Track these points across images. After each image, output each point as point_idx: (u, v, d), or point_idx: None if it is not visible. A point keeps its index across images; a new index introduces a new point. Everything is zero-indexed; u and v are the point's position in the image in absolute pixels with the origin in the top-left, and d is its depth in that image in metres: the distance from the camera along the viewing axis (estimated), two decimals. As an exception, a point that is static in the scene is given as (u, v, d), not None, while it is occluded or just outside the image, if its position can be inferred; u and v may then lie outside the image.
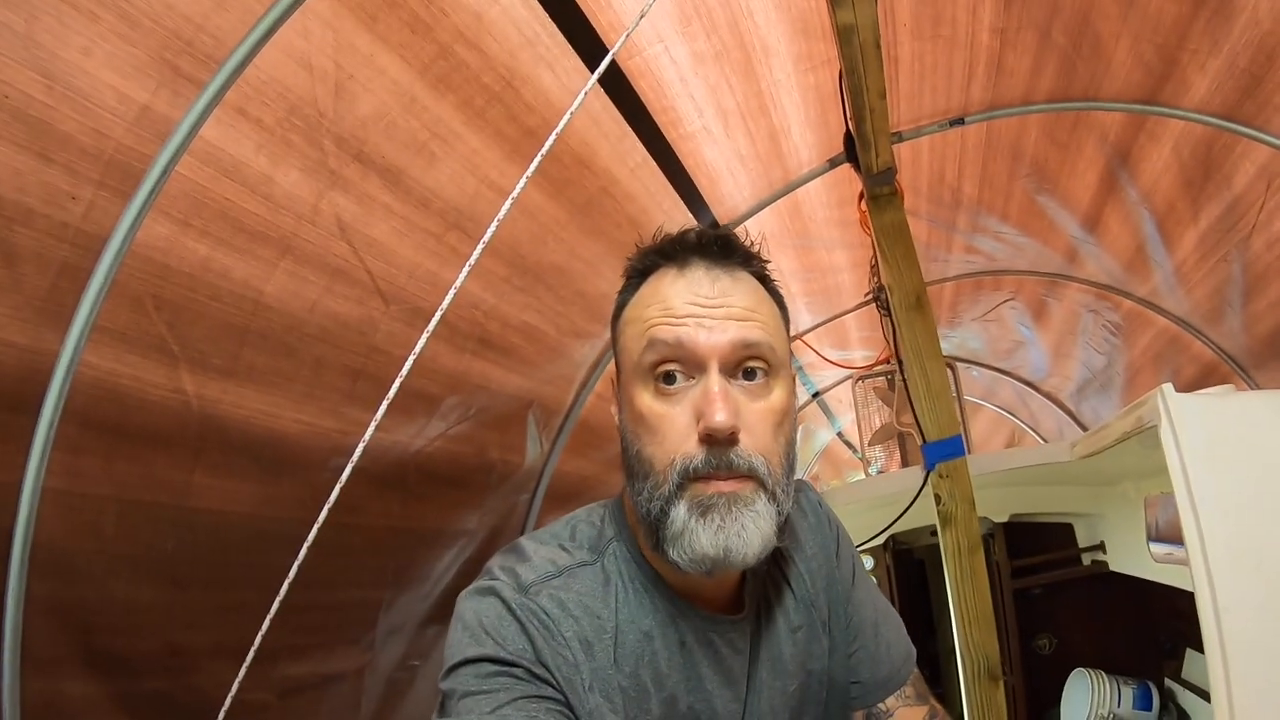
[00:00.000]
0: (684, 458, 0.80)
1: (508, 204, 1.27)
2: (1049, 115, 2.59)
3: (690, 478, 0.80)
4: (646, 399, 0.84)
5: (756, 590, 0.97)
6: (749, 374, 0.84)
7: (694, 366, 0.82)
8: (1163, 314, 3.46)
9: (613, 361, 0.95)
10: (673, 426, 0.82)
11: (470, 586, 0.86)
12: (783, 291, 0.95)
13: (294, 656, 1.90)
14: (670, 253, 0.89)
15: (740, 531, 0.80)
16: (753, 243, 0.92)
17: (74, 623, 1.43)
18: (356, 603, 2.11)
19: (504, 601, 0.83)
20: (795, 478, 0.92)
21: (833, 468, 8.43)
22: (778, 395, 0.85)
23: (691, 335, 0.81)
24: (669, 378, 0.82)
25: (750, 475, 0.81)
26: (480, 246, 1.33)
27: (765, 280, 0.92)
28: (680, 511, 0.80)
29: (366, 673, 2.18)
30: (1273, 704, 1.36)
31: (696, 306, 0.83)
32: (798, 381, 5.49)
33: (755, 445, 0.82)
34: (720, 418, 0.78)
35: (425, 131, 1.64)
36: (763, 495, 0.82)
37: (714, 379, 0.81)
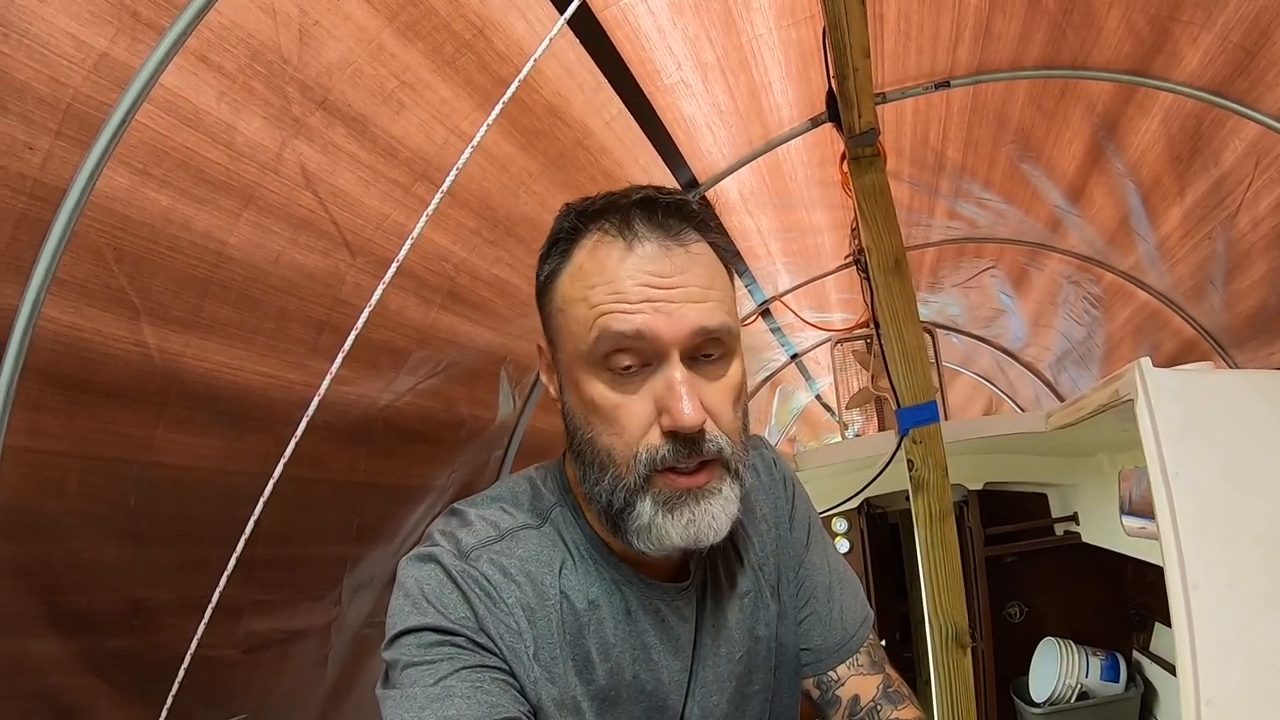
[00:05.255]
0: (648, 450, 0.77)
1: (468, 150, 1.24)
2: (1036, 82, 2.56)
3: (657, 469, 0.78)
4: (600, 388, 0.78)
5: (702, 556, 0.95)
6: (707, 355, 0.79)
7: (652, 355, 0.77)
8: (1144, 288, 3.46)
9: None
10: (632, 417, 0.78)
11: (411, 552, 0.84)
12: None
13: (260, 612, 1.88)
14: (610, 217, 0.80)
15: (710, 521, 0.79)
16: (701, 202, 0.85)
17: (37, 581, 1.41)
18: (323, 558, 2.10)
19: (444, 568, 0.81)
20: (752, 435, 0.90)
21: (810, 429, 8.51)
22: (734, 370, 0.82)
23: (651, 325, 0.75)
24: (625, 368, 0.77)
25: (717, 458, 0.79)
26: (440, 193, 1.29)
27: (715, 244, 0.84)
28: (646, 506, 0.78)
29: (333, 629, 2.17)
30: (1237, 680, 1.38)
31: (651, 289, 0.76)
32: (776, 343, 5.44)
33: (719, 427, 0.79)
34: (689, 414, 0.75)
35: (393, 80, 1.59)
36: (728, 478, 0.81)
37: (677, 370, 0.76)
